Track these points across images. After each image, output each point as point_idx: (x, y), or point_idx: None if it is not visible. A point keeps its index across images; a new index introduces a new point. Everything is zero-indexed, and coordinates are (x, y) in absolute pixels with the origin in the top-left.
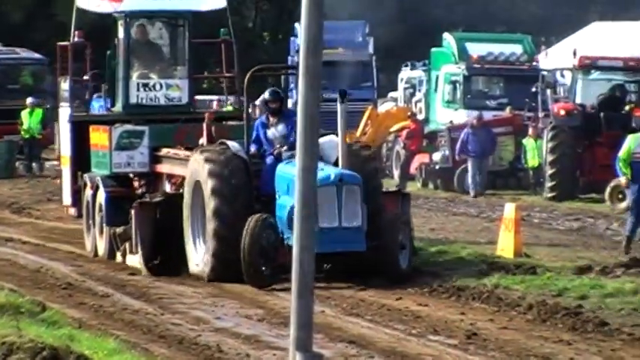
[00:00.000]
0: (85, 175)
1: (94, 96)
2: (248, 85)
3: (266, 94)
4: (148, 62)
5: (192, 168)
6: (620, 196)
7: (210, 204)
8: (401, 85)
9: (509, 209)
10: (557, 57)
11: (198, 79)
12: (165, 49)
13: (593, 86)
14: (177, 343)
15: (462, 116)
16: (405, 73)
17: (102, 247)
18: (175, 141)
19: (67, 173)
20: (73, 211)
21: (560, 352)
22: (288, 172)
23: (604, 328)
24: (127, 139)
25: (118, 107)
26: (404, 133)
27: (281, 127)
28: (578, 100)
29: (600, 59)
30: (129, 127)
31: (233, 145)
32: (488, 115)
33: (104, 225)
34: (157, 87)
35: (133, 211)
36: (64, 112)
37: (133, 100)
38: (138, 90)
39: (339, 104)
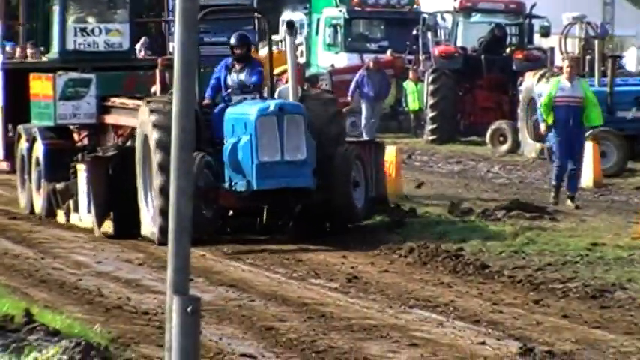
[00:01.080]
0: (20, 127)
1: None
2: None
3: (232, 39)
4: (85, 5)
5: (141, 120)
6: (501, 139)
7: (156, 158)
8: (282, 29)
9: (391, 152)
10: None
11: (139, 23)
12: None
13: (474, 29)
14: (58, 287)
15: (343, 60)
16: (286, 16)
17: (39, 205)
18: (125, 90)
19: None
20: (5, 165)
21: (440, 295)
22: (233, 113)
23: (484, 271)
24: (73, 88)
25: (54, 54)
26: (284, 76)
27: (243, 75)
28: (459, 44)
29: (481, 2)
30: (74, 74)
31: None
32: (368, 58)
33: (42, 181)
34: (96, 32)
35: (83, 167)
36: None
37: (70, 46)
38: (75, 35)
39: (287, 37)
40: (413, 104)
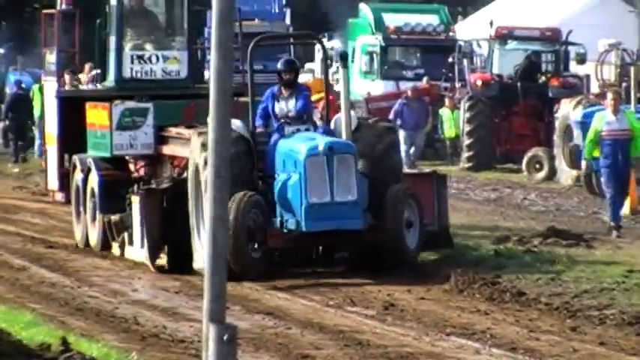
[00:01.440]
0: (75, 157)
1: (10, 69)
2: (252, 56)
3: (279, 64)
4: (142, 32)
5: (192, 150)
6: (537, 166)
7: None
8: (318, 56)
9: None
10: (473, 27)
11: (196, 50)
12: (161, 17)
13: (510, 56)
14: (94, 315)
15: (379, 87)
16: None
17: (94, 237)
18: (184, 119)
19: (52, 154)
20: (60, 196)
21: (477, 322)
22: (284, 147)
23: (521, 298)
24: (130, 118)
25: (110, 82)
26: (320, 104)
27: (292, 102)
28: (495, 71)
29: (517, 29)
30: (131, 104)
31: (235, 123)
32: (405, 86)
33: (97, 212)
34: (153, 59)
35: (136, 199)
36: (50, 86)
37: (126, 74)
38: (132, 63)
39: (341, 69)
40: (449, 131)
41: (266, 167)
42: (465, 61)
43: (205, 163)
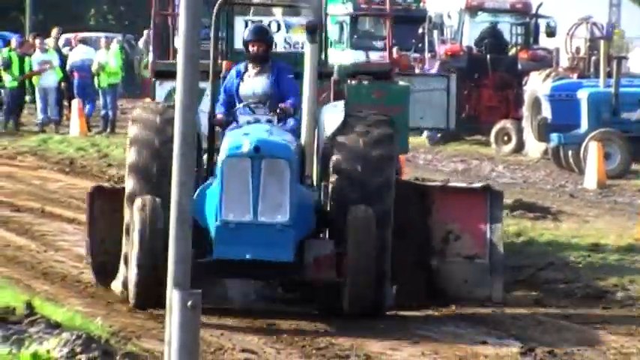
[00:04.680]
0: None
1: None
2: (217, 20)
3: (246, 33)
4: None
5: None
6: (506, 138)
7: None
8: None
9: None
10: None
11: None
12: None
13: (480, 28)
14: (60, 280)
15: (349, 57)
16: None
17: None
18: None
19: None
20: None
21: None
22: (223, 143)
23: None
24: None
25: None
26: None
27: (259, 82)
28: (464, 42)
29: (487, 1)
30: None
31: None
32: (374, 56)
33: None
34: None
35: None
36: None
37: (238, 45)
38: None
39: (308, 44)
40: None
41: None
42: (435, 33)
43: (130, 142)
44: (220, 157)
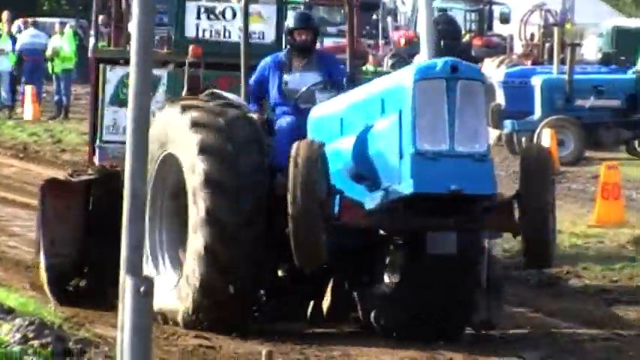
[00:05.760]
0: None
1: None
2: (246, 9)
3: (290, 20)
4: None
5: (159, 131)
6: None
7: (201, 201)
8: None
9: None
10: None
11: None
12: None
13: (434, 15)
14: (14, 265)
15: None
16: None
17: None
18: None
19: None
20: None
21: None
22: (334, 108)
23: None
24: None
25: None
26: None
27: (314, 79)
28: (418, 29)
29: None
30: None
31: (234, 98)
32: (328, 42)
33: None
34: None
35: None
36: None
37: (189, 32)
38: (198, 18)
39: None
40: None
41: (278, 163)
42: (389, 19)
43: (202, 151)
44: (400, 83)
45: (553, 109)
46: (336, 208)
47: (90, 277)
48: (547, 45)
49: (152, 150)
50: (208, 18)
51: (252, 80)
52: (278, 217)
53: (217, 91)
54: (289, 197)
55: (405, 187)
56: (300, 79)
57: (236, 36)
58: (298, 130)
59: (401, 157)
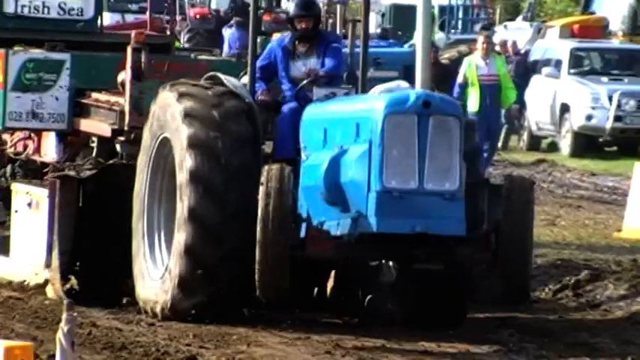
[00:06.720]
0: None
1: None
2: None
3: (291, 7)
4: None
5: (159, 111)
6: None
7: (185, 198)
8: None
9: None
10: None
11: None
12: None
13: None
14: None
15: (106, 19)
16: None
17: None
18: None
19: None
20: None
21: None
22: (323, 114)
23: None
24: (35, 74)
25: None
26: None
27: (316, 64)
28: (213, 6)
29: None
30: (38, 53)
31: (231, 82)
32: (130, 19)
33: None
34: None
35: (26, 188)
36: None
37: (8, 9)
38: None
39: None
40: None
41: (277, 151)
42: None
43: (191, 146)
44: (370, 115)
45: None
46: (302, 234)
47: (82, 275)
48: (330, 21)
49: (153, 128)
50: None
51: (259, 63)
52: None
53: (219, 74)
54: (259, 223)
55: (370, 224)
56: (303, 65)
57: (55, 12)
58: (299, 117)
59: (369, 190)
